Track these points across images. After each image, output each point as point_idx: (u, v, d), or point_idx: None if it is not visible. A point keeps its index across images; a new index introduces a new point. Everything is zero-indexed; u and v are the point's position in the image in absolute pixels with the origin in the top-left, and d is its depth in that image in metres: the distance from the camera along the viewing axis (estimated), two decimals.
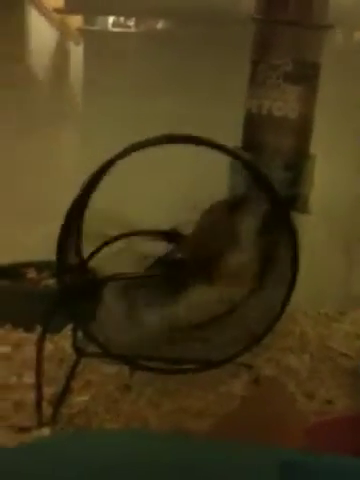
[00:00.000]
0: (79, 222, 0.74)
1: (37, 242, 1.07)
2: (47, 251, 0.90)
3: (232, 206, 0.73)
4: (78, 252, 0.79)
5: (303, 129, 0.87)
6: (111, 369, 0.79)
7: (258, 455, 0.42)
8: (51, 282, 0.96)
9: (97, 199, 0.73)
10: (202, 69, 0.99)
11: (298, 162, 0.87)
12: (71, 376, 0.76)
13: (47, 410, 0.68)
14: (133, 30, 1.03)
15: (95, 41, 1.04)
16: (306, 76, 0.84)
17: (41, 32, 1.04)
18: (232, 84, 0.95)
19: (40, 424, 0.65)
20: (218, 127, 0.91)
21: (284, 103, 0.83)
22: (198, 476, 0.40)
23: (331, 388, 0.78)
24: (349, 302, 1.06)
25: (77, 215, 0.72)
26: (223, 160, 0.82)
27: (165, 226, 0.83)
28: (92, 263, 0.81)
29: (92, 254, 0.80)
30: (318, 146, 0.91)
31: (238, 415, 0.67)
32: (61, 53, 1.06)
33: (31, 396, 0.70)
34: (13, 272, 0.97)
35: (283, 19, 0.82)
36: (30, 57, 1.04)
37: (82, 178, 1.05)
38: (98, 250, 0.80)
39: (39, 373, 0.66)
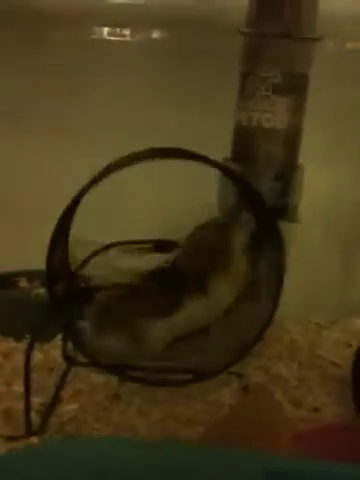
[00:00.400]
0: (68, 231, 0.75)
1: (28, 251, 1.08)
2: (38, 261, 0.91)
3: (224, 224, 0.74)
4: (68, 261, 0.80)
5: (292, 140, 0.88)
6: (100, 378, 0.79)
7: (244, 461, 0.43)
8: (42, 291, 0.96)
9: (89, 207, 0.74)
10: (195, 79, 1.00)
11: (287, 172, 0.88)
12: (61, 385, 0.76)
13: (36, 419, 0.69)
14: (128, 39, 1.04)
15: (90, 50, 1.04)
16: (295, 88, 0.85)
17: (39, 41, 1.04)
18: (224, 95, 0.96)
19: (29, 433, 0.65)
20: (210, 138, 0.93)
21: (273, 114, 0.85)
22: None
23: (319, 396, 0.78)
24: (342, 310, 1.06)
25: (66, 224, 0.73)
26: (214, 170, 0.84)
27: (156, 236, 0.84)
28: (83, 272, 0.82)
29: (82, 263, 0.81)
30: (313, 153, 0.93)
31: (227, 423, 0.67)
32: (56, 62, 1.06)
33: (20, 405, 0.70)
34: (4, 281, 0.97)
35: (272, 32, 0.83)
36: (29, 66, 1.04)
37: (74, 187, 1.06)
38: (88, 259, 0.81)
39: (27, 382, 0.66)
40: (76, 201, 0.68)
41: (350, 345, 0.94)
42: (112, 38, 1.04)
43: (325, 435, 0.61)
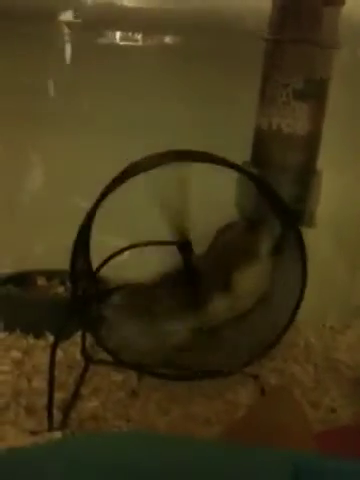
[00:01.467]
0: (89, 233, 0.76)
1: (47, 250, 1.10)
2: (57, 260, 0.92)
3: (249, 226, 0.75)
4: (89, 262, 0.81)
5: (311, 145, 0.89)
6: (119, 376, 0.80)
7: (270, 458, 0.43)
8: (61, 290, 0.98)
9: (106, 210, 0.75)
10: (210, 84, 1.01)
11: (306, 178, 0.89)
12: (81, 382, 0.77)
13: (57, 415, 0.70)
14: (141, 44, 1.06)
15: (103, 54, 1.06)
16: (315, 94, 0.86)
17: (51, 45, 1.06)
18: (241, 99, 0.97)
19: (51, 428, 0.67)
20: (227, 142, 0.94)
21: (293, 120, 0.86)
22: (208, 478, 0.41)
23: (335, 397, 0.79)
24: (355, 315, 1.07)
25: (88, 227, 0.74)
26: (231, 173, 0.85)
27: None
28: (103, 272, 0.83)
29: (103, 264, 0.82)
30: (327, 160, 0.94)
31: (245, 423, 0.68)
32: (70, 66, 1.08)
33: (41, 401, 0.72)
34: (24, 280, 0.98)
35: (293, 38, 0.85)
36: (41, 70, 1.06)
37: (93, 187, 1.08)
38: (108, 260, 0.82)
39: (52, 379, 0.67)
40: (99, 202, 0.69)
41: None
42: (125, 43, 1.05)
43: (343, 436, 0.62)
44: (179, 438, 0.56)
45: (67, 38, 1.06)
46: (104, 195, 0.69)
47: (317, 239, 1.03)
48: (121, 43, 1.06)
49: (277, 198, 0.69)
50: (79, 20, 1.04)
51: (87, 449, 0.46)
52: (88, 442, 0.49)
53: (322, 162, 0.92)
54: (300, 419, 0.62)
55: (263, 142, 0.89)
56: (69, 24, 1.05)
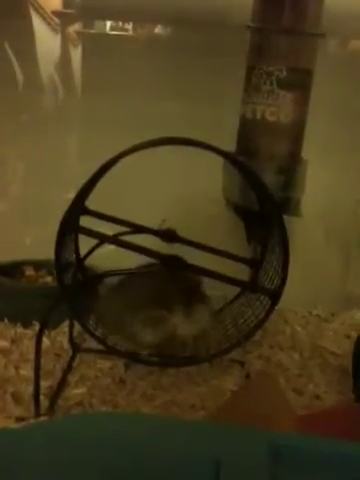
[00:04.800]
0: (76, 221, 0.76)
1: (35, 241, 1.10)
2: (44, 250, 0.92)
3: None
4: (75, 250, 0.81)
5: (296, 134, 0.90)
6: (106, 364, 0.81)
7: (247, 437, 0.44)
8: (49, 279, 0.98)
9: (92, 198, 0.75)
10: (199, 73, 1.01)
11: (291, 166, 0.90)
12: (68, 370, 0.78)
13: (44, 402, 0.70)
14: (131, 34, 1.05)
15: (93, 44, 1.06)
16: (299, 82, 0.87)
17: (41, 35, 1.06)
18: (228, 90, 0.98)
19: (38, 415, 0.67)
20: (213, 131, 0.94)
21: (277, 108, 0.86)
22: (181, 456, 0.41)
23: (320, 384, 0.80)
24: (341, 303, 1.08)
25: (74, 215, 0.74)
26: (216, 162, 0.85)
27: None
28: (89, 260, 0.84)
29: (89, 252, 0.82)
30: (315, 150, 0.94)
31: (229, 408, 0.69)
32: (60, 56, 1.08)
33: (28, 389, 0.73)
34: (12, 270, 0.98)
35: (277, 27, 0.85)
36: (31, 60, 1.06)
37: (79, 179, 1.08)
38: (94, 248, 0.82)
39: (38, 366, 0.68)
40: (84, 191, 0.70)
41: (349, 336, 0.95)
42: (116, 32, 1.05)
43: (325, 419, 0.62)
44: (164, 418, 0.57)
45: (56, 29, 1.05)
46: (91, 182, 0.69)
47: (306, 228, 1.05)
48: (111, 33, 1.06)
49: (262, 186, 0.70)
50: (69, 10, 1.04)
51: (71, 426, 0.46)
52: (72, 420, 0.50)
53: (310, 152, 0.93)
54: (282, 403, 0.63)
55: (248, 130, 0.90)
56: (59, 14, 1.05)
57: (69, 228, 0.71)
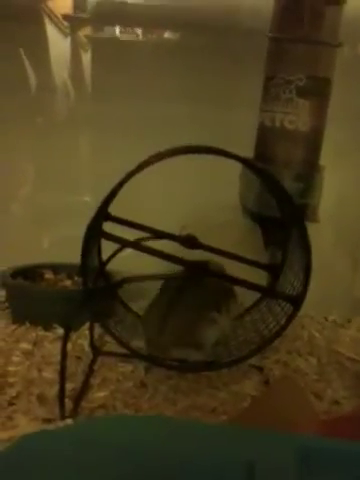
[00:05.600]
0: (100, 227, 0.77)
1: (52, 244, 1.11)
2: (62, 252, 0.94)
3: None
4: (98, 255, 0.83)
5: (314, 142, 0.91)
6: (127, 367, 0.82)
7: (275, 440, 0.45)
8: (68, 283, 1.00)
9: (115, 204, 0.77)
10: (209, 77, 1.02)
11: (308, 173, 0.91)
12: (90, 372, 0.79)
13: (67, 404, 0.71)
14: (141, 38, 1.07)
15: (103, 48, 1.07)
16: (318, 91, 0.88)
17: (52, 39, 1.07)
18: (241, 95, 0.99)
19: (63, 416, 0.68)
20: (223, 134, 0.95)
21: (296, 117, 0.88)
22: (215, 460, 0.42)
23: (338, 389, 0.81)
24: (357, 309, 1.09)
25: (99, 221, 0.75)
26: (232, 169, 0.86)
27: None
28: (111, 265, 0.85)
29: (110, 257, 0.84)
30: (327, 155, 0.95)
31: (250, 413, 0.70)
32: (70, 60, 1.09)
33: (51, 390, 0.74)
34: (32, 273, 1.00)
35: (296, 37, 0.86)
36: (42, 64, 1.07)
37: (94, 181, 1.09)
38: (116, 253, 0.83)
39: (63, 369, 0.69)
40: (111, 197, 0.71)
41: None
42: (126, 37, 1.06)
43: (348, 422, 0.63)
44: (188, 422, 0.58)
45: (67, 33, 1.07)
46: (116, 190, 0.70)
47: (320, 234, 1.05)
48: (121, 38, 1.07)
49: (283, 191, 0.71)
50: (80, 15, 1.06)
51: (99, 430, 0.47)
52: (99, 424, 0.51)
53: (325, 158, 0.94)
54: (306, 407, 0.64)
55: (266, 138, 0.91)
56: (69, 18, 1.06)
57: (93, 234, 0.73)
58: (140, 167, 0.67)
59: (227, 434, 0.46)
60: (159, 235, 0.83)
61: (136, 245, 0.74)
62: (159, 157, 0.66)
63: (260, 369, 0.84)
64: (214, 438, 0.45)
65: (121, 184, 0.69)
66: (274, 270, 0.84)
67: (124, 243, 0.74)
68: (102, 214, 0.72)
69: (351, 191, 1.05)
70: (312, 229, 0.98)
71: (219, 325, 0.75)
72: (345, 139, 1.00)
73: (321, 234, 1.07)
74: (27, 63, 1.06)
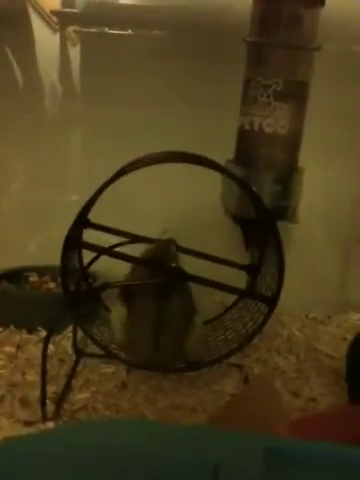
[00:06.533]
0: (79, 236, 0.79)
1: (38, 246, 1.12)
2: (47, 255, 0.95)
3: None
4: (79, 260, 0.84)
5: (292, 144, 0.92)
6: (109, 369, 0.84)
7: (242, 441, 0.47)
8: (52, 285, 1.01)
9: (98, 207, 0.78)
10: (198, 72, 1.02)
11: (287, 175, 0.93)
12: (72, 375, 0.81)
13: (50, 406, 0.73)
14: (130, 32, 1.07)
15: (92, 43, 1.07)
16: (295, 95, 0.90)
17: (41, 35, 1.07)
18: (225, 96, 1.00)
19: (45, 419, 0.70)
20: (211, 140, 0.97)
21: (274, 120, 0.89)
22: (179, 461, 0.44)
23: (316, 387, 0.83)
24: (337, 306, 1.11)
25: (77, 229, 0.76)
26: (214, 173, 0.87)
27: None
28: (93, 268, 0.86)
29: (93, 259, 0.85)
30: (315, 152, 0.97)
31: (227, 412, 0.71)
32: (59, 56, 1.09)
33: (34, 393, 0.75)
34: (16, 276, 1.01)
35: (274, 41, 0.87)
36: (31, 62, 1.07)
37: (81, 183, 1.09)
38: (97, 257, 0.85)
39: (44, 372, 0.70)
40: (92, 201, 0.72)
41: (345, 339, 0.98)
42: (116, 31, 1.06)
43: (320, 422, 0.65)
44: (166, 424, 0.60)
45: (56, 28, 1.06)
46: (99, 192, 0.71)
47: (306, 233, 1.08)
48: (110, 32, 1.07)
49: (256, 197, 0.73)
50: (69, 10, 1.05)
51: (83, 434, 0.49)
52: (83, 428, 0.52)
53: (308, 159, 0.96)
54: (278, 406, 0.66)
55: (246, 141, 0.93)
56: (58, 14, 1.06)
57: (72, 243, 0.74)
58: (117, 176, 0.68)
59: (193, 436, 0.48)
60: (138, 239, 0.85)
61: (112, 252, 0.76)
62: (136, 166, 0.68)
63: (240, 367, 0.86)
64: (181, 439, 0.47)
65: (99, 192, 0.70)
66: (252, 270, 0.86)
67: (101, 251, 0.76)
68: (80, 223, 0.73)
69: (340, 191, 1.06)
70: (297, 227, 1.01)
71: (198, 323, 0.77)
72: (334, 138, 1.02)
73: (308, 233, 1.09)
74: (15, 60, 1.06)
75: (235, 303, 0.90)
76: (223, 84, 1.01)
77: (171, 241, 0.81)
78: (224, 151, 0.95)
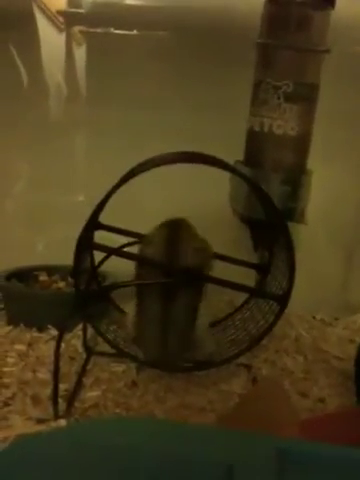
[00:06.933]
0: (90, 237, 0.79)
1: (47, 246, 1.13)
2: (56, 254, 0.96)
3: None
4: (91, 259, 0.85)
5: (301, 146, 0.93)
6: (119, 367, 0.85)
7: (254, 442, 0.47)
8: (62, 285, 1.02)
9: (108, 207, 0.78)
10: (203, 73, 1.02)
11: (296, 177, 0.93)
12: (83, 373, 0.82)
13: (61, 404, 0.74)
14: (136, 33, 1.08)
15: (98, 43, 1.08)
16: (305, 96, 0.90)
17: (47, 36, 1.08)
18: (232, 96, 1.00)
19: (56, 417, 0.71)
20: (219, 141, 0.97)
21: (284, 122, 0.89)
22: (194, 461, 0.45)
23: (324, 388, 0.83)
24: (345, 308, 1.11)
25: (89, 231, 0.77)
26: (223, 172, 0.88)
27: None
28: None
29: (104, 259, 0.86)
30: (319, 155, 0.97)
31: (236, 412, 0.72)
32: (65, 56, 1.10)
33: (46, 391, 0.76)
34: (26, 275, 1.02)
35: (285, 44, 0.88)
36: (36, 62, 1.08)
37: (88, 183, 1.10)
38: (104, 260, 0.85)
39: (57, 370, 0.71)
40: (103, 203, 0.73)
41: (353, 340, 0.99)
42: (121, 31, 1.06)
43: (329, 423, 0.66)
44: (177, 423, 0.60)
45: (62, 28, 1.07)
46: (111, 193, 0.72)
47: (311, 235, 1.08)
48: (116, 32, 1.07)
49: (267, 197, 0.73)
50: (75, 10, 1.06)
51: (92, 432, 0.50)
52: (93, 426, 0.53)
53: (316, 161, 0.96)
54: (287, 408, 0.67)
55: (255, 142, 0.93)
56: (64, 14, 1.06)
57: (84, 245, 0.75)
58: (127, 177, 0.69)
59: (206, 436, 0.48)
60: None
61: (122, 253, 0.77)
62: (145, 167, 0.68)
63: (248, 368, 0.87)
64: (195, 439, 0.47)
65: (109, 194, 0.71)
66: (262, 269, 0.87)
67: (111, 251, 0.77)
68: (92, 225, 0.74)
69: (344, 192, 1.07)
70: (303, 229, 1.02)
71: (204, 315, 0.78)
72: (338, 140, 1.02)
73: (313, 235, 1.09)
74: (20, 60, 1.07)
75: (245, 302, 0.91)
76: (228, 85, 1.02)
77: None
78: (229, 153, 0.95)
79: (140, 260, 0.76)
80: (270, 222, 0.84)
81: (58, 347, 0.70)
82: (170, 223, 0.78)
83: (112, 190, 0.70)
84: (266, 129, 0.91)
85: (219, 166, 0.73)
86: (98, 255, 0.84)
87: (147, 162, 0.73)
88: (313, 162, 0.96)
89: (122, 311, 0.87)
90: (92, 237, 0.79)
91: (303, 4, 0.87)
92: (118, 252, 0.79)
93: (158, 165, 0.71)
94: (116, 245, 0.85)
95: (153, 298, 0.75)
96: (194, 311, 0.76)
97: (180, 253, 0.75)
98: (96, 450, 0.46)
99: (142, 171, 0.70)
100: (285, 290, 0.76)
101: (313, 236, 1.10)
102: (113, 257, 0.81)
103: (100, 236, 0.83)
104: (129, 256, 0.75)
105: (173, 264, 0.74)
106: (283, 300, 0.76)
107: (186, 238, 0.77)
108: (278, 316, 0.77)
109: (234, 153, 0.96)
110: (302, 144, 0.93)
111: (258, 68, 0.92)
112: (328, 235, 1.11)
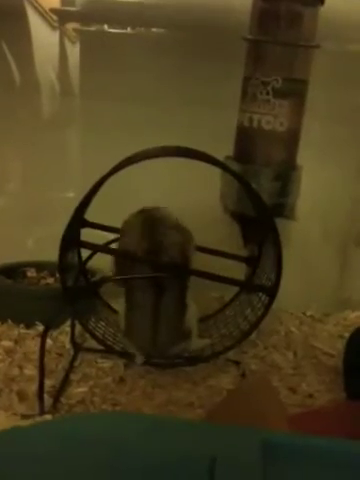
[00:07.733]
0: (76, 234, 0.79)
1: (36, 242, 1.13)
2: (45, 250, 0.95)
3: None
4: (78, 255, 0.84)
5: (291, 142, 0.92)
6: (107, 363, 0.84)
7: (239, 435, 0.47)
8: (50, 281, 1.01)
9: (95, 203, 0.78)
10: (197, 70, 1.02)
11: (286, 172, 0.93)
12: (70, 369, 0.81)
13: (48, 400, 0.73)
14: (129, 30, 1.08)
15: (91, 41, 1.07)
16: (294, 92, 0.90)
17: (40, 33, 1.07)
18: (224, 92, 1.00)
19: (42, 412, 0.70)
20: (211, 131, 0.97)
21: (273, 117, 0.89)
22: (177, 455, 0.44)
23: (313, 383, 0.83)
24: (335, 304, 1.11)
25: (75, 228, 0.77)
26: (214, 169, 0.88)
27: None
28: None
29: (91, 255, 0.85)
30: (313, 152, 0.97)
31: (225, 407, 0.72)
32: (58, 54, 1.09)
33: (32, 387, 0.75)
34: (14, 271, 1.01)
35: (274, 39, 0.88)
36: (29, 58, 1.07)
37: (79, 179, 1.10)
38: (94, 253, 0.85)
39: (42, 366, 0.70)
40: (88, 199, 0.72)
41: (343, 337, 0.98)
42: (115, 30, 1.06)
43: (317, 417, 0.65)
44: (163, 418, 0.60)
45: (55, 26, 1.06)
46: (97, 187, 0.71)
47: (301, 230, 1.08)
48: (110, 30, 1.07)
49: (255, 193, 0.73)
50: (68, 8, 1.05)
51: (80, 426, 0.49)
52: (78, 420, 0.52)
53: (306, 157, 0.96)
54: (275, 403, 0.66)
55: (245, 138, 0.93)
56: (57, 12, 1.06)
57: (69, 242, 0.74)
58: (113, 171, 0.69)
59: (190, 429, 0.48)
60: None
61: (109, 250, 0.76)
62: (131, 161, 0.68)
63: (237, 363, 0.86)
64: (179, 433, 0.47)
65: (94, 191, 0.70)
66: (251, 262, 0.86)
67: (97, 248, 0.76)
68: (76, 222, 0.73)
69: (337, 189, 1.06)
70: (295, 225, 1.01)
71: (193, 309, 0.78)
72: (332, 137, 1.02)
73: (304, 232, 1.09)
74: (14, 57, 1.06)
75: (235, 297, 0.91)
76: (221, 82, 1.01)
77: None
78: (222, 148, 0.95)
79: (125, 256, 0.75)
80: (259, 218, 0.84)
81: (43, 343, 0.70)
82: (144, 210, 0.79)
83: (94, 187, 0.69)
84: (255, 125, 0.91)
85: (208, 161, 0.73)
86: (86, 251, 0.84)
87: (134, 156, 0.73)
88: (307, 159, 0.96)
89: (110, 307, 0.87)
90: (78, 234, 0.78)
91: (292, 0, 0.87)
92: (103, 249, 0.78)
93: (145, 159, 0.71)
94: (104, 241, 0.85)
95: (141, 290, 0.74)
96: (182, 302, 0.76)
97: (157, 238, 0.75)
98: (79, 444, 0.46)
99: (127, 165, 0.69)
100: (273, 281, 0.76)
101: (305, 233, 1.10)
102: (102, 254, 0.81)
103: (88, 232, 0.82)
104: (114, 252, 0.75)
105: (158, 258, 0.74)
106: (272, 291, 0.76)
107: (161, 225, 0.77)
108: (267, 307, 0.77)
109: (227, 149, 0.96)
110: (291, 139, 0.93)
111: (247, 64, 0.92)
112: (321, 232, 1.11)
